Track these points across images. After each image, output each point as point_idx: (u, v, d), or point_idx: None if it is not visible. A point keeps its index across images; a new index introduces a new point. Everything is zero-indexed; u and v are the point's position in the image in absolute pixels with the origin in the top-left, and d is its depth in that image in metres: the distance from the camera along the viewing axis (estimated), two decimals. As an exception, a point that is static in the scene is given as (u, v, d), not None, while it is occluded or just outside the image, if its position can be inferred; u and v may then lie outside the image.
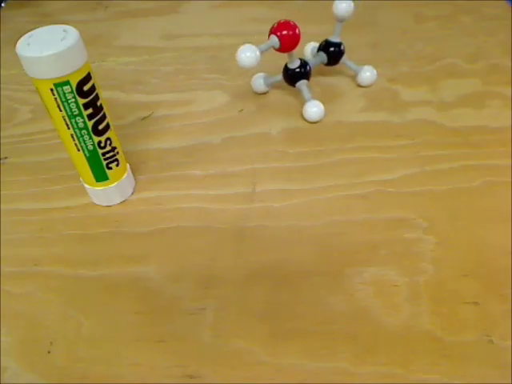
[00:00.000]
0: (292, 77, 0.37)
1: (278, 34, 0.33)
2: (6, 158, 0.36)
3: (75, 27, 0.25)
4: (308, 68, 0.37)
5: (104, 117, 0.27)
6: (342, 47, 0.39)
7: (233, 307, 0.26)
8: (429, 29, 0.46)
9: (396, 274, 0.26)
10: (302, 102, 0.37)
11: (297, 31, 0.33)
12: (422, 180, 0.31)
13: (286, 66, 0.37)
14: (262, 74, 0.39)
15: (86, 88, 0.25)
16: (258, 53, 0.32)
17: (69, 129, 0.26)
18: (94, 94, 0.26)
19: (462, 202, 0.30)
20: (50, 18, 0.55)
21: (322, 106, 0.36)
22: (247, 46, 0.32)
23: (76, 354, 0.24)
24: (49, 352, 0.24)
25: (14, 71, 0.46)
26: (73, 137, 0.27)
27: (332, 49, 0.39)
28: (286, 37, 0.33)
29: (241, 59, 0.31)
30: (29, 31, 0.25)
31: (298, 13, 0.51)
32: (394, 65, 0.42)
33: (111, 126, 0.28)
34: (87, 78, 0.25)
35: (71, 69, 0.24)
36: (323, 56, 0.39)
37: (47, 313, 0.26)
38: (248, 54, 0.31)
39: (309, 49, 0.42)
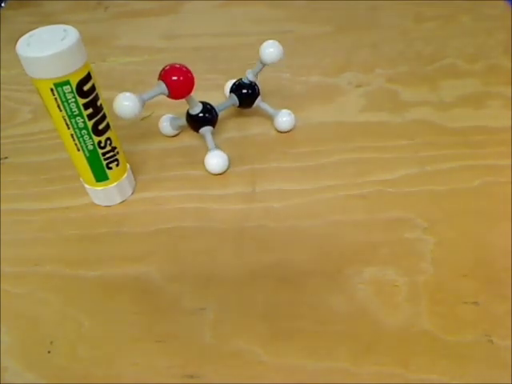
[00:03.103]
0: (194, 123, 0.34)
1: (167, 80, 0.29)
2: (6, 157, 0.36)
3: (75, 27, 0.25)
4: (213, 113, 0.34)
5: (104, 117, 0.27)
6: (256, 89, 0.35)
7: (233, 307, 0.26)
8: (428, 29, 0.46)
9: (396, 274, 0.26)
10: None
11: (189, 76, 0.30)
12: (421, 180, 0.31)
13: (188, 110, 0.34)
14: (169, 116, 0.36)
15: (86, 88, 0.25)
16: (137, 102, 0.27)
17: (69, 129, 0.26)
18: (94, 94, 0.26)
19: (462, 202, 0.30)
20: (50, 18, 0.55)
21: (225, 157, 0.32)
22: (127, 94, 0.27)
23: (76, 354, 0.24)
24: (49, 352, 0.24)
25: (14, 71, 0.46)
26: (73, 137, 0.27)
27: (245, 91, 0.35)
28: (176, 83, 0.29)
29: (119, 108, 0.27)
30: (29, 31, 0.25)
31: (299, 13, 0.51)
32: (394, 65, 0.42)
33: (111, 126, 0.28)
34: (87, 77, 0.25)
35: (71, 69, 0.24)
36: (234, 98, 0.35)
37: (47, 313, 0.26)
38: (126, 103, 0.27)
39: (228, 87, 0.38)
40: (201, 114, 0.33)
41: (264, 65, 0.34)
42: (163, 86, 0.29)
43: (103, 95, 0.27)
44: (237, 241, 0.29)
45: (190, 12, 0.53)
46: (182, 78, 0.29)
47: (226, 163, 0.33)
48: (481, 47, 0.43)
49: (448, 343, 0.24)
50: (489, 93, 0.38)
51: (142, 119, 0.39)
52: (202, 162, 0.33)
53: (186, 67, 0.30)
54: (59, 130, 0.27)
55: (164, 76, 0.29)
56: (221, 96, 0.40)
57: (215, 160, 0.32)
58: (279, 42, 0.33)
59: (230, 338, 0.24)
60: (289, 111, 0.36)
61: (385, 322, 0.24)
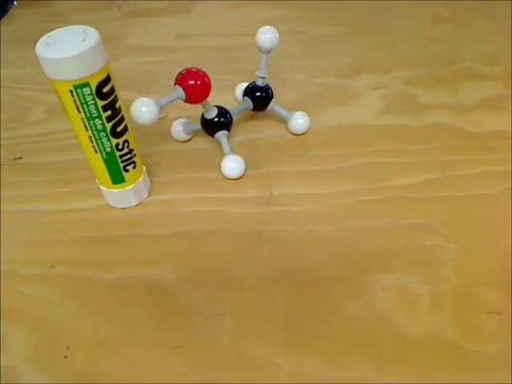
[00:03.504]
0: (209, 127, 0.33)
1: (184, 84, 0.29)
2: (20, 158, 0.36)
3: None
4: (228, 117, 0.33)
5: (122, 119, 0.27)
6: (269, 92, 0.35)
7: (251, 313, 0.25)
8: (445, 30, 0.46)
9: (417, 282, 0.26)
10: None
11: (206, 80, 0.29)
12: (442, 186, 0.31)
13: (202, 114, 0.33)
14: (182, 121, 0.35)
15: (105, 90, 0.25)
16: (155, 108, 0.27)
17: (87, 131, 0.26)
18: (113, 96, 0.26)
19: (484, 208, 0.29)
20: (62, 18, 0.55)
21: (241, 161, 0.32)
22: (144, 99, 0.27)
23: (93, 360, 0.24)
24: (65, 357, 0.24)
25: (27, 70, 0.45)
26: (91, 139, 0.26)
27: (258, 94, 0.35)
28: (193, 88, 0.29)
29: (137, 114, 0.26)
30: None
31: (312, 13, 0.50)
32: (411, 67, 0.41)
33: (129, 128, 0.28)
34: (107, 79, 0.25)
35: (91, 70, 0.24)
36: (248, 102, 0.35)
37: (63, 316, 0.26)
38: (144, 109, 0.26)
39: (239, 90, 0.38)
40: (216, 119, 0.33)
41: (266, 52, 0.33)
42: (180, 91, 0.29)
43: (119, 93, 0.27)
44: (254, 245, 0.29)
45: (203, 12, 0.53)
46: (199, 83, 0.29)
47: (243, 167, 0.32)
48: (499, 50, 0.42)
49: (472, 354, 0.23)
50: (508, 96, 0.38)
51: (157, 120, 0.38)
52: (218, 165, 0.33)
53: (202, 71, 0.30)
54: (77, 131, 0.26)
55: (181, 80, 0.29)
56: (235, 97, 0.40)
57: (232, 164, 0.32)
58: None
59: (248, 344, 0.24)
60: (303, 113, 0.35)
61: (407, 331, 0.24)
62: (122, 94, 0.28)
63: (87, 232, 0.30)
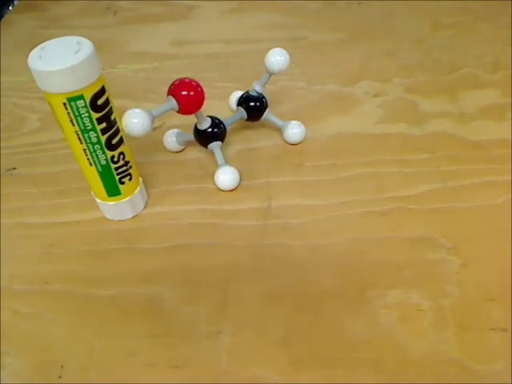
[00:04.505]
0: (202, 138, 0.33)
1: (177, 95, 0.28)
2: (14, 168, 0.35)
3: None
4: (222, 128, 0.32)
5: (117, 131, 0.26)
6: (264, 101, 0.34)
7: (250, 331, 0.25)
8: (446, 37, 0.45)
9: (420, 298, 0.25)
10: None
11: (199, 91, 0.28)
12: (444, 196, 0.30)
13: (195, 125, 0.32)
14: (174, 131, 0.34)
15: (100, 102, 0.24)
16: (148, 119, 0.26)
17: (81, 143, 0.25)
18: (108, 108, 0.25)
19: (487, 220, 0.29)
20: (57, 23, 0.54)
21: (236, 173, 0.32)
22: (136, 110, 0.26)
23: (88, 380, 0.23)
24: (60, 377, 0.23)
25: (23, 78, 0.45)
26: (85, 151, 0.26)
27: (252, 104, 0.34)
28: (186, 98, 0.28)
29: (128, 126, 0.25)
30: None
31: (311, 19, 0.50)
32: (411, 74, 0.41)
33: (124, 140, 0.27)
34: (101, 91, 0.24)
35: (85, 83, 0.23)
36: (242, 112, 0.34)
37: (58, 334, 0.25)
38: (135, 121, 0.25)
39: (233, 99, 0.37)
40: (209, 129, 0.32)
41: (271, 74, 0.33)
42: (173, 102, 0.28)
43: (114, 104, 0.26)
44: (253, 259, 0.28)
45: (201, 18, 0.52)
46: (192, 93, 0.28)
47: (237, 179, 0.32)
48: (500, 56, 0.42)
49: (476, 372, 0.23)
50: (509, 104, 0.37)
51: (154, 130, 0.37)
52: (213, 175, 0.32)
53: (195, 81, 0.29)
54: (71, 144, 0.26)
55: (174, 91, 0.28)
56: (229, 105, 0.39)
57: (226, 176, 0.31)
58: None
59: (248, 364, 0.23)
60: (299, 122, 0.35)
61: (410, 348, 0.23)
62: (117, 102, 0.27)
63: (83, 246, 0.29)
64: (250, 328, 0.25)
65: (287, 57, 0.32)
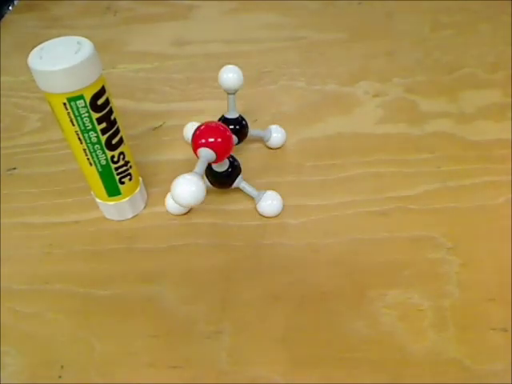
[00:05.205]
0: (224, 180, 0.30)
1: (211, 144, 0.25)
2: (14, 168, 0.35)
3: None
4: (236, 164, 0.30)
5: (117, 131, 0.26)
6: (243, 122, 0.32)
7: (250, 331, 0.25)
8: (446, 37, 0.45)
9: (420, 298, 0.25)
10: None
11: (227, 134, 0.26)
12: (444, 196, 0.30)
13: (210, 169, 0.29)
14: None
15: (99, 102, 0.24)
16: (201, 185, 0.23)
17: (81, 143, 0.25)
18: (107, 108, 0.25)
19: (487, 220, 0.29)
20: (57, 23, 0.54)
21: (279, 196, 0.30)
22: (187, 176, 0.23)
23: (88, 380, 0.23)
24: (60, 377, 0.23)
25: (23, 78, 0.45)
26: (85, 151, 0.26)
27: (232, 127, 0.31)
28: (221, 145, 0.25)
29: (185, 197, 0.23)
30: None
31: (311, 19, 0.50)
32: (411, 74, 0.41)
33: (124, 140, 0.27)
34: (101, 91, 0.24)
35: (85, 83, 0.23)
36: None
37: (58, 334, 0.25)
38: (194, 189, 0.23)
39: (189, 129, 0.34)
40: (230, 169, 0.29)
41: (233, 93, 0.31)
42: (210, 153, 0.25)
43: (114, 104, 0.26)
44: (253, 259, 0.28)
45: (201, 18, 0.52)
46: (226, 137, 0.26)
47: (281, 206, 0.30)
48: (500, 56, 0.42)
49: (477, 372, 0.22)
50: (509, 104, 0.37)
51: (154, 129, 0.38)
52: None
53: (223, 126, 0.27)
54: (71, 144, 0.26)
55: (206, 142, 0.25)
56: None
57: (269, 202, 0.29)
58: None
59: (248, 364, 0.23)
60: (277, 126, 0.34)
61: (410, 349, 0.23)
62: (117, 102, 0.27)
63: (83, 246, 0.29)
64: (250, 328, 0.25)
65: (240, 74, 0.30)
